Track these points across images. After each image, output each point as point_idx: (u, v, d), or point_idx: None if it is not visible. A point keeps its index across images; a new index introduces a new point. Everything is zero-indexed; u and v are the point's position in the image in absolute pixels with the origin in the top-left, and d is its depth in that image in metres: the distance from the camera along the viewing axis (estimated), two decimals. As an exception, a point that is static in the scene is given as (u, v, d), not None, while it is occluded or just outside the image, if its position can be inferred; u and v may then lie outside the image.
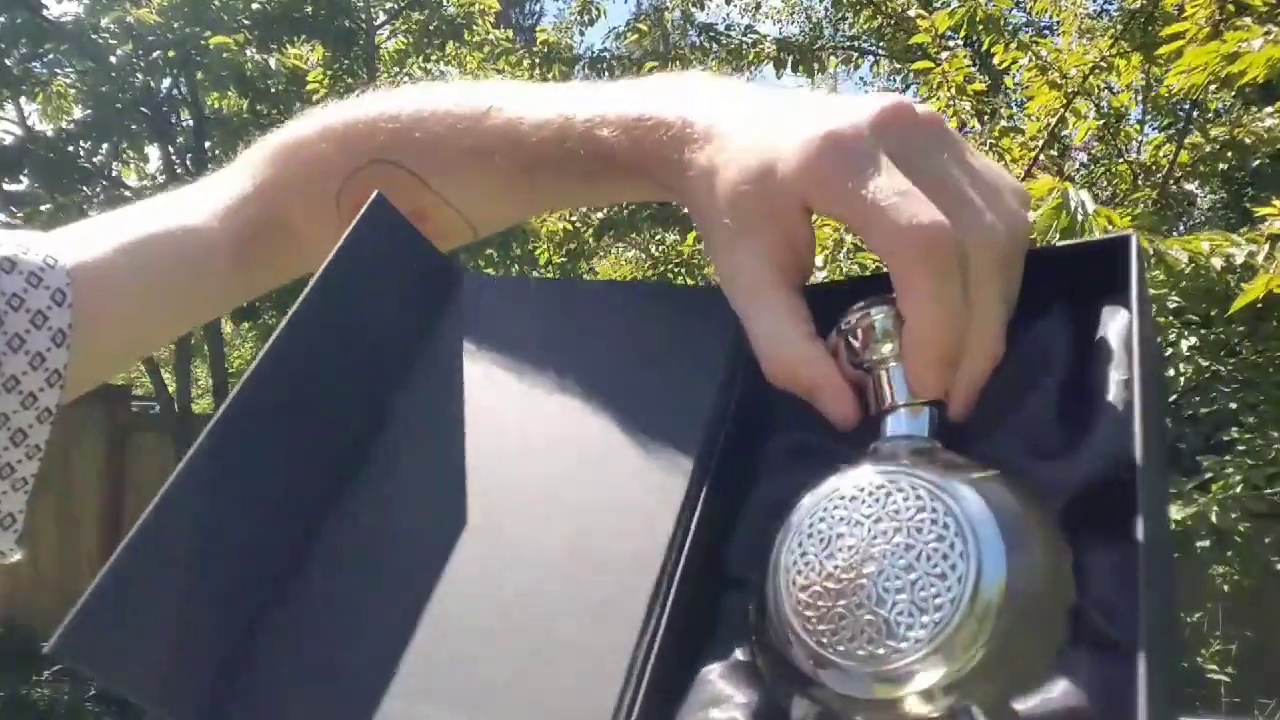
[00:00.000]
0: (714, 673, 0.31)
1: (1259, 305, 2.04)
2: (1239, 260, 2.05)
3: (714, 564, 0.34)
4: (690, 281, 4.12)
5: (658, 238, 4.63)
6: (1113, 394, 0.31)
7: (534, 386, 0.39)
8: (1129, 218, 2.29)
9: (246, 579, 0.35)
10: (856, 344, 0.33)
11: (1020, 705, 0.26)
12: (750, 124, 0.37)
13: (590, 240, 4.41)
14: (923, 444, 0.32)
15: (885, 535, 0.28)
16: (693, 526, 0.34)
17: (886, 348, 0.33)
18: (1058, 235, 2.11)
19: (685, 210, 0.42)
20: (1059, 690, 0.26)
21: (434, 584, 0.34)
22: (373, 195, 0.40)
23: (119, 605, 0.31)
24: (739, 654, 0.32)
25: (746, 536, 0.34)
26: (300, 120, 0.51)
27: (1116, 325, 0.32)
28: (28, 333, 0.45)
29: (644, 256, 4.62)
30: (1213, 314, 3.00)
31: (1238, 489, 2.62)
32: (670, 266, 4.24)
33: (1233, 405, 3.22)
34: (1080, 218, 2.00)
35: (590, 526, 0.35)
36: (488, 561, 0.35)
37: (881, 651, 0.27)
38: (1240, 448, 2.83)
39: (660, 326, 0.40)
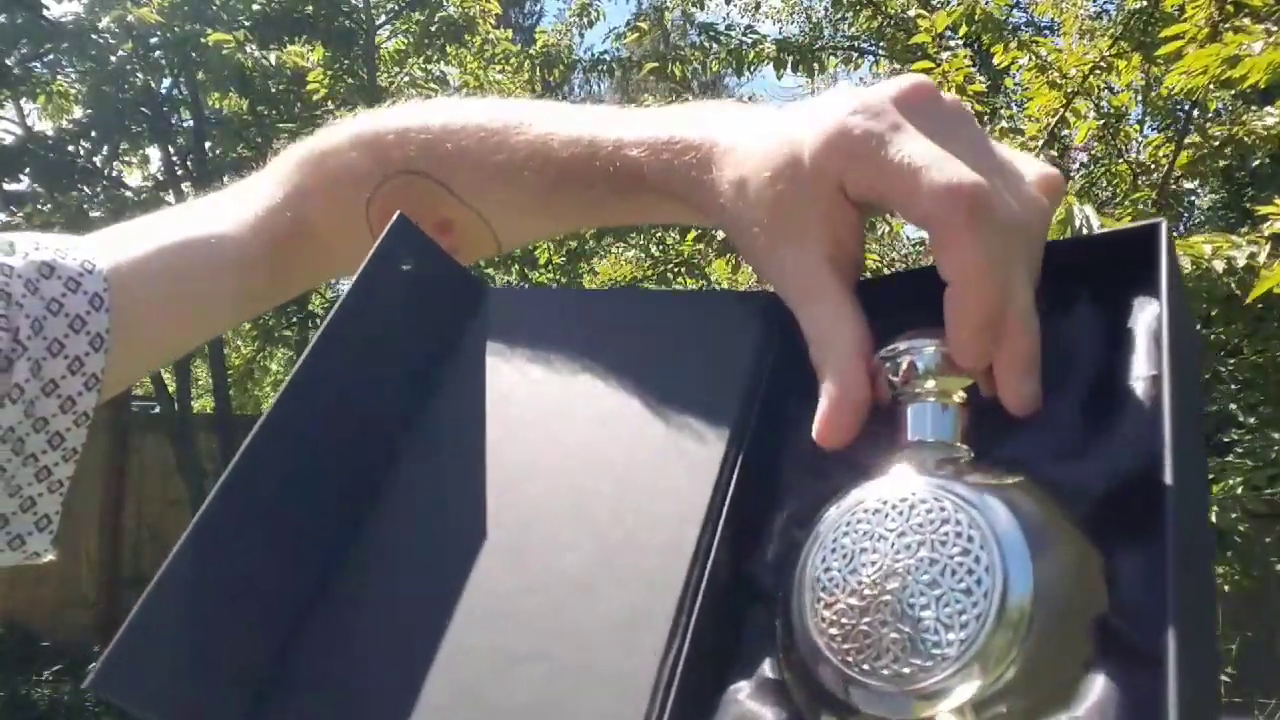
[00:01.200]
0: (742, 692, 0.30)
1: (1259, 305, 2.04)
2: (1240, 262, 2.05)
3: (741, 578, 0.33)
4: (690, 282, 4.12)
5: (657, 237, 4.63)
6: (1141, 391, 0.29)
7: (557, 400, 0.39)
8: (1128, 217, 2.29)
9: (276, 608, 0.35)
10: (896, 376, 0.32)
11: None
12: (774, 129, 0.37)
13: (590, 240, 4.41)
14: (946, 450, 0.31)
15: (910, 549, 0.28)
16: (716, 540, 0.33)
17: (929, 384, 0.32)
18: (1058, 237, 2.11)
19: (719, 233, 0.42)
20: (1087, 706, 0.25)
21: (457, 607, 0.34)
22: (395, 215, 0.40)
23: (154, 640, 0.31)
24: (767, 671, 0.31)
25: (774, 548, 0.33)
26: (330, 129, 0.52)
27: (1146, 318, 0.31)
28: (67, 337, 0.45)
29: (644, 256, 4.62)
30: (1213, 314, 3.00)
31: (1238, 489, 2.62)
32: (670, 266, 4.24)
33: (1233, 405, 3.22)
34: (1084, 231, 2.00)
35: (614, 542, 0.34)
36: (511, 582, 0.34)
37: (908, 670, 0.26)
38: (1240, 448, 2.83)
39: (686, 335, 0.40)
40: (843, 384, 0.33)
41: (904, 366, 0.32)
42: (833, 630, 0.28)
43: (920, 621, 0.26)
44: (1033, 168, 0.34)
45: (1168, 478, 0.26)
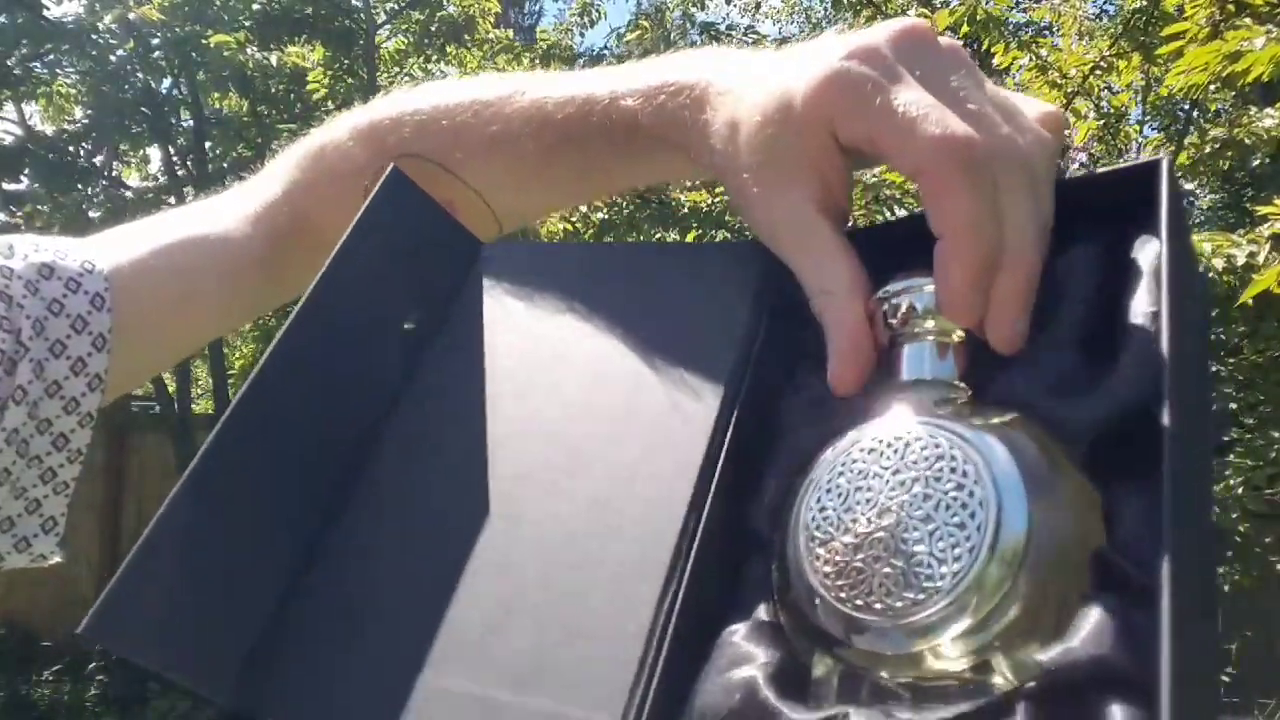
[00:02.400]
0: (737, 634, 0.30)
1: (1253, 306, 2.04)
2: (1240, 261, 2.05)
3: (737, 524, 0.33)
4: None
5: (657, 237, 4.63)
6: (1141, 327, 0.29)
7: (553, 355, 0.39)
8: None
9: (271, 559, 0.35)
10: (894, 318, 0.32)
11: (1044, 655, 0.25)
12: (769, 73, 0.36)
13: (590, 241, 4.40)
14: (943, 390, 0.31)
15: (904, 486, 0.27)
16: (713, 487, 0.33)
17: (927, 324, 0.32)
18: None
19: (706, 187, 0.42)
20: (1083, 638, 0.25)
21: (458, 564, 0.34)
22: (388, 169, 0.40)
23: (146, 587, 0.31)
24: (763, 614, 0.31)
25: (771, 495, 0.33)
26: (328, 125, 0.51)
27: (1147, 255, 0.30)
28: (68, 338, 0.45)
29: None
30: (1213, 314, 3.00)
31: (1238, 489, 2.62)
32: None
33: (1233, 405, 3.22)
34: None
35: (611, 495, 0.34)
36: (507, 535, 0.35)
37: (900, 604, 0.26)
38: (1240, 448, 2.83)
39: (681, 287, 0.40)
40: (849, 333, 0.33)
41: (902, 308, 0.32)
42: (827, 569, 0.28)
43: (914, 556, 0.26)
44: (1033, 106, 0.34)
45: (1166, 413, 0.26)
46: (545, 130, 0.44)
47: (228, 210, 0.52)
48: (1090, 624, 0.25)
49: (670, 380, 0.36)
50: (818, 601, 0.28)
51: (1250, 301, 2.04)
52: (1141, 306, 0.29)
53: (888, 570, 0.27)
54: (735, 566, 0.32)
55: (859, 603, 0.27)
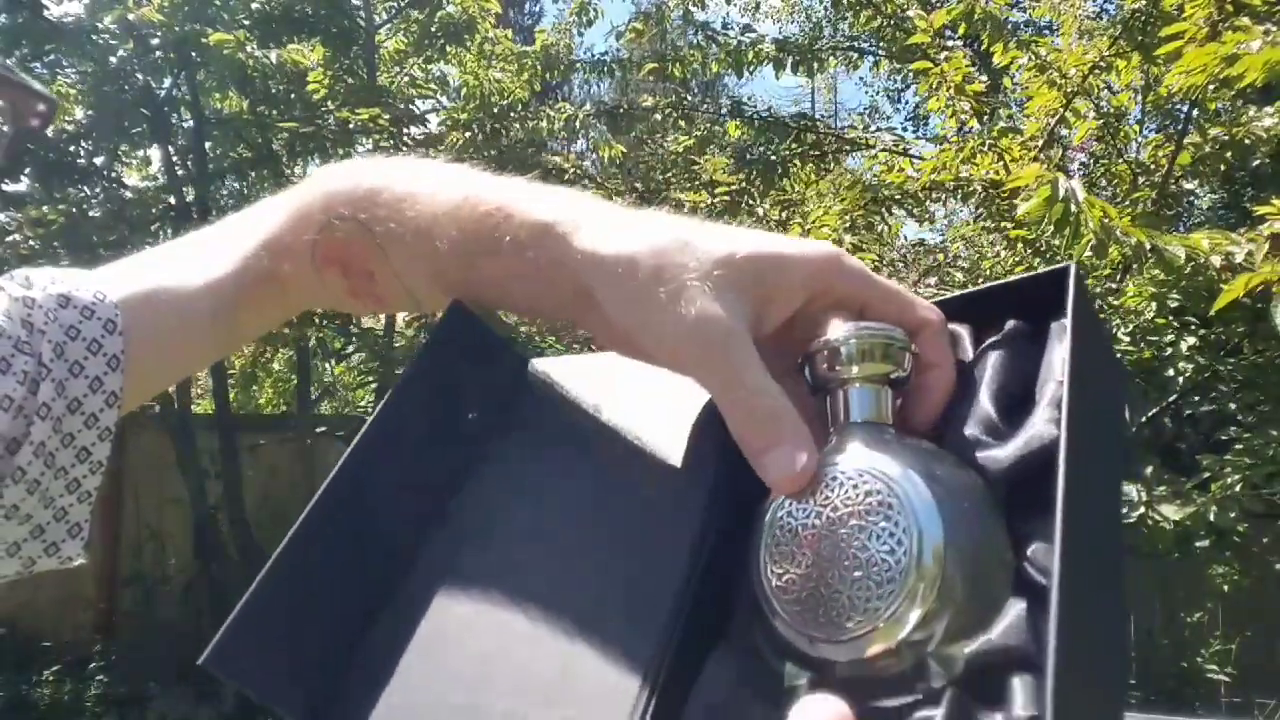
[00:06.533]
0: (721, 652, 0.37)
1: (1258, 305, 2.04)
2: (1239, 259, 2.05)
3: (722, 579, 0.39)
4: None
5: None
6: (1050, 394, 0.36)
7: (573, 464, 0.46)
8: (1128, 217, 2.28)
9: (352, 609, 0.42)
10: (824, 365, 0.38)
11: (968, 650, 0.31)
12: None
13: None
14: (876, 432, 0.37)
15: (841, 521, 0.34)
16: (705, 551, 0.40)
17: (854, 370, 0.37)
18: (1051, 228, 2.10)
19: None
20: (997, 633, 0.31)
21: (501, 606, 0.42)
22: (449, 302, 0.48)
23: (254, 628, 0.38)
24: (741, 637, 0.37)
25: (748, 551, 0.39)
26: (309, 182, 0.55)
27: (1061, 343, 0.37)
28: (86, 359, 0.50)
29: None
30: (1213, 314, 3.00)
31: (1237, 489, 2.62)
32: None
33: (1233, 405, 3.23)
34: (1074, 209, 1.99)
35: (620, 553, 0.42)
36: (544, 591, 0.42)
37: (850, 624, 0.32)
38: (1239, 447, 2.83)
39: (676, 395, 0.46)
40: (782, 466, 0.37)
41: (838, 354, 0.38)
42: (786, 596, 0.34)
43: (854, 583, 0.33)
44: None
45: (1061, 455, 0.32)
46: (452, 221, 0.48)
47: (223, 248, 0.57)
48: (1009, 618, 0.31)
49: (664, 488, 0.44)
50: (782, 623, 0.34)
51: (1249, 301, 2.04)
52: (1052, 377, 0.37)
53: (834, 596, 0.33)
54: (726, 600, 0.39)
55: (816, 623, 0.33)
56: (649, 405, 0.46)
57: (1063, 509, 0.31)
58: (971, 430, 0.37)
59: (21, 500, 0.48)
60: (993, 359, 0.39)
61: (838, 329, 0.38)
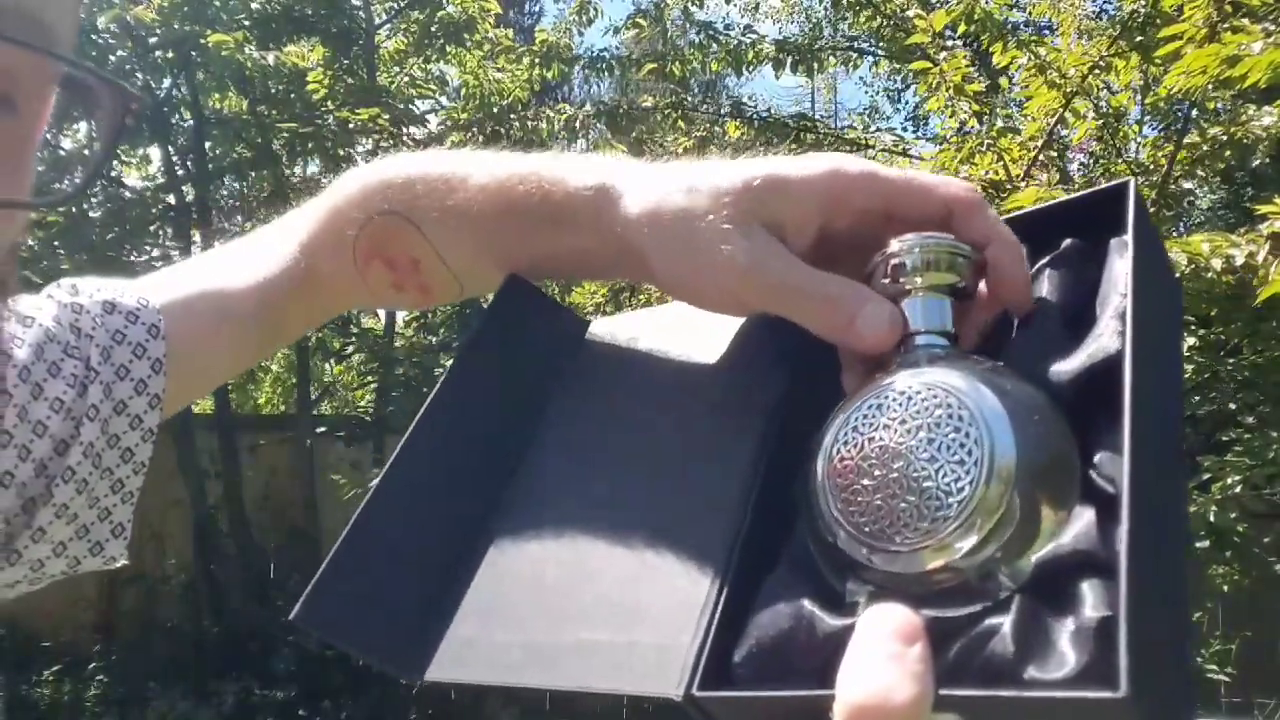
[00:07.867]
0: (781, 570, 0.37)
1: (1258, 306, 2.04)
2: (1239, 261, 2.05)
3: (779, 509, 0.39)
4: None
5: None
6: (1113, 306, 0.35)
7: (635, 410, 0.48)
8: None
9: (434, 559, 0.44)
10: (897, 278, 0.38)
11: (1036, 557, 0.31)
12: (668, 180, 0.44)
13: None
14: (940, 350, 0.37)
15: (911, 433, 0.33)
16: (757, 487, 0.41)
17: (918, 280, 0.37)
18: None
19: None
20: (1068, 539, 0.31)
21: (574, 545, 0.43)
22: (507, 275, 0.49)
23: (342, 582, 0.40)
24: (800, 553, 0.37)
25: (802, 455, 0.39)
26: (342, 180, 0.56)
27: (1123, 258, 0.36)
28: (131, 363, 0.51)
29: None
30: (1213, 314, 3.00)
31: (1237, 489, 2.61)
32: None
33: (1233, 405, 3.23)
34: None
35: (684, 488, 0.43)
36: (613, 525, 0.43)
37: (915, 534, 0.32)
38: (1239, 448, 2.83)
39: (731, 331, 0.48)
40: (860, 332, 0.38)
41: (901, 266, 0.37)
42: (852, 509, 0.33)
43: (924, 491, 0.32)
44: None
45: (1126, 364, 0.32)
46: (495, 199, 0.50)
47: (261, 253, 0.58)
48: (1078, 526, 0.31)
49: (721, 412, 0.45)
50: (845, 536, 0.34)
51: (1250, 301, 2.04)
52: (1116, 293, 0.36)
53: (903, 505, 0.32)
54: (786, 521, 0.39)
55: (881, 535, 0.32)
56: (708, 348, 0.48)
57: (1130, 416, 0.30)
58: (1034, 345, 0.36)
59: (70, 499, 0.48)
60: (1051, 275, 0.38)
61: (900, 240, 0.37)
